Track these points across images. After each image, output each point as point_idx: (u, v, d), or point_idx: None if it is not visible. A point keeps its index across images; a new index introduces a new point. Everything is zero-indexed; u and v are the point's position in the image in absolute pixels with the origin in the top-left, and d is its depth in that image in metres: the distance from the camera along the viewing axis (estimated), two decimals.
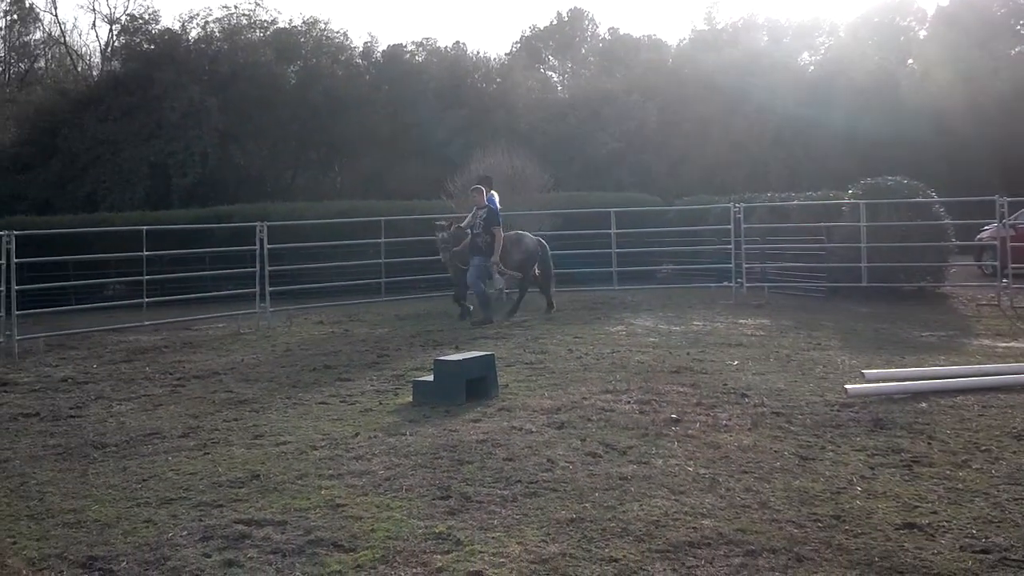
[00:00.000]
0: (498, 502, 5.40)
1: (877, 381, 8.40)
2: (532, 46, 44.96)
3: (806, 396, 8.13)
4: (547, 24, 47.16)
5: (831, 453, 6.32)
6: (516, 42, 46.56)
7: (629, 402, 7.93)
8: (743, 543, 4.70)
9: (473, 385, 8.28)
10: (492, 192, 14.78)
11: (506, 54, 41.58)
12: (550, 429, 7.07)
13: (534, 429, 7.08)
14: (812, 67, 34.07)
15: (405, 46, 35.29)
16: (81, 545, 4.94)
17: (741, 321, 13.69)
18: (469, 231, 14.20)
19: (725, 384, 8.71)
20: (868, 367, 9.22)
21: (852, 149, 27.62)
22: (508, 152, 19.27)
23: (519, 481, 5.77)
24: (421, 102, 32.38)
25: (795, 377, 9.08)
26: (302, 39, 33.96)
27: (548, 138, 30.28)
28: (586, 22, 47.42)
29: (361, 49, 35.39)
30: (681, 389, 8.49)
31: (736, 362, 10.00)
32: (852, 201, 16.91)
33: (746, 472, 5.90)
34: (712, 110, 30.00)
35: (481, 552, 4.64)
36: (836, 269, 16.74)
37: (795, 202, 18.50)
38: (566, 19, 46.78)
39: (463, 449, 6.55)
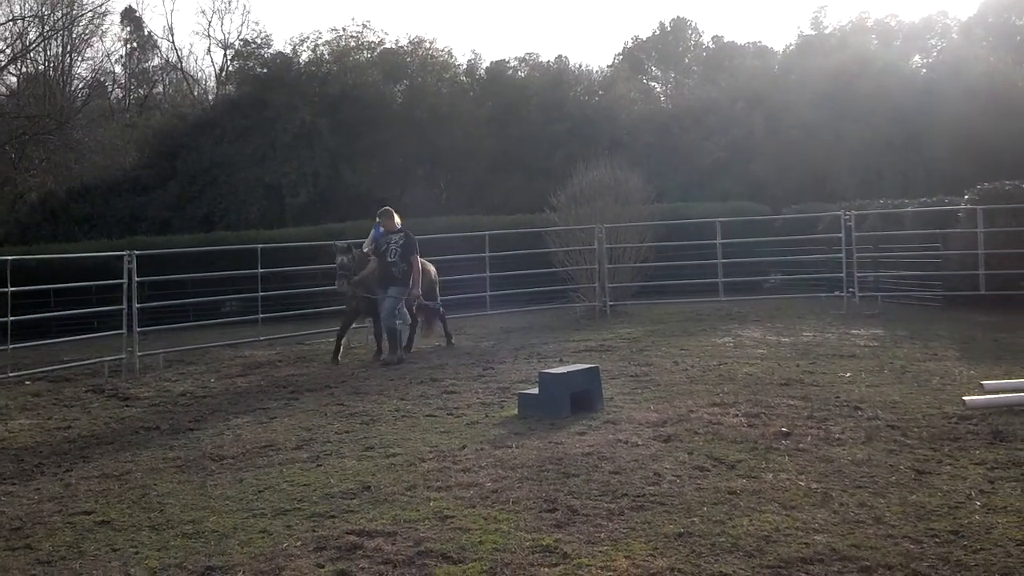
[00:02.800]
0: (605, 515, 5.39)
1: (996, 392, 8.09)
2: (634, 57, 44.81)
3: (922, 408, 7.88)
4: (649, 34, 47.00)
5: (948, 467, 6.13)
6: (618, 54, 46.49)
7: (737, 415, 7.82)
8: (857, 559, 4.59)
9: (578, 398, 8.29)
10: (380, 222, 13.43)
11: (608, 66, 41.51)
12: (656, 442, 7.03)
13: (640, 442, 7.04)
14: (924, 69, 33.03)
15: (508, 62, 35.58)
16: (199, 555, 5.10)
17: (853, 332, 13.35)
18: (372, 258, 12.94)
19: (837, 397, 8.51)
20: (987, 378, 8.88)
21: (967, 153, 26.63)
22: (611, 164, 19.21)
23: (626, 494, 5.75)
24: (524, 116, 32.55)
25: (911, 389, 8.81)
26: (408, 59, 34.51)
27: (651, 149, 30.08)
28: (689, 31, 47.05)
29: (465, 66, 35.81)
30: (791, 402, 8.33)
31: (849, 374, 9.76)
32: (969, 207, 16.33)
33: (860, 487, 5.76)
34: (820, 116, 29.35)
35: (588, 565, 4.64)
36: (952, 277, 16.18)
37: (908, 209, 17.96)
38: (669, 29, 46.51)
39: (569, 462, 6.55)
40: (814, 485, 5.81)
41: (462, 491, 6.01)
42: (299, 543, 5.20)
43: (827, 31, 35.30)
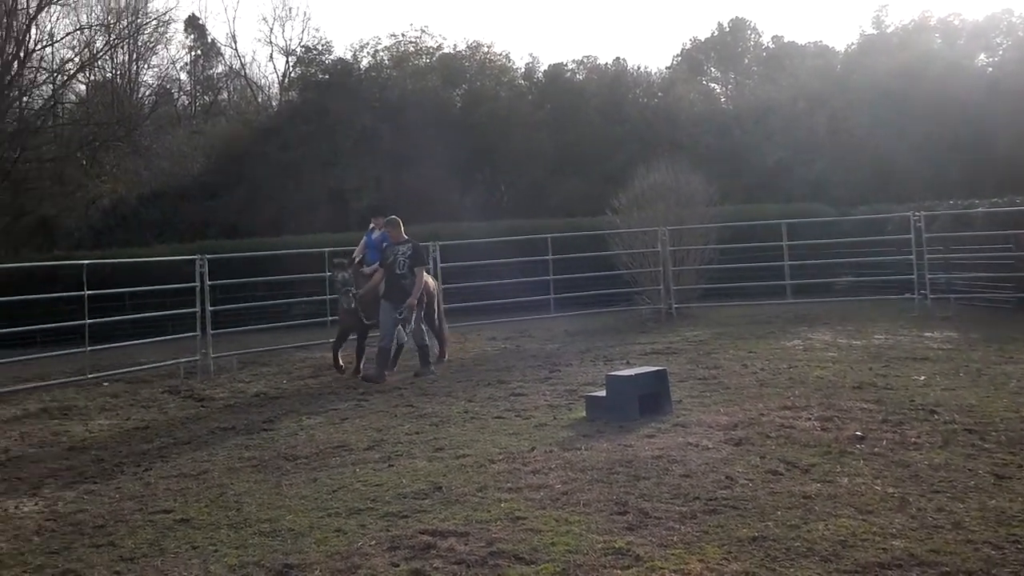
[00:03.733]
0: (677, 519, 5.38)
1: None
2: (693, 58, 44.45)
3: (1000, 412, 7.73)
4: (708, 36, 46.55)
5: None
6: (677, 55, 46.14)
7: (810, 419, 7.75)
8: (937, 565, 4.54)
9: (646, 400, 8.27)
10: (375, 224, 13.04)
11: (667, 68, 41.25)
12: (727, 446, 7.00)
13: (711, 445, 7.01)
14: (989, 68, 32.29)
15: (566, 65, 35.53)
16: (277, 553, 5.21)
17: (926, 334, 13.12)
18: (371, 270, 12.34)
19: (912, 400, 8.38)
20: None
21: None
22: (672, 166, 19.11)
23: (697, 498, 5.74)
24: (582, 119, 32.49)
25: (987, 392, 8.65)
26: (466, 63, 34.68)
27: (712, 151, 29.81)
28: (748, 31, 46.54)
29: (523, 70, 35.86)
30: (865, 405, 8.23)
31: (923, 377, 9.61)
32: None
33: (938, 491, 5.68)
34: (884, 115, 28.85)
35: (661, 568, 4.65)
36: None
37: (979, 209, 17.60)
38: (727, 29, 46.06)
39: (639, 465, 6.56)
40: (891, 489, 5.74)
41: (532, 492, 6.05)
42: (373, 542, 5.28)
43: (889, 30, 34.71)
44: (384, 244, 12.15)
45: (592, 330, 15.88)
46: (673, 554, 4.84)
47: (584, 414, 8.43)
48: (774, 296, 18.17)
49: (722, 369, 10.70)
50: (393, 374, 11.82)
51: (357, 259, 12.71)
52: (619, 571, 4.65)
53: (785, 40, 42.96)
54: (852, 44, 36.36)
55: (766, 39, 45.59)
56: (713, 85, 43.55)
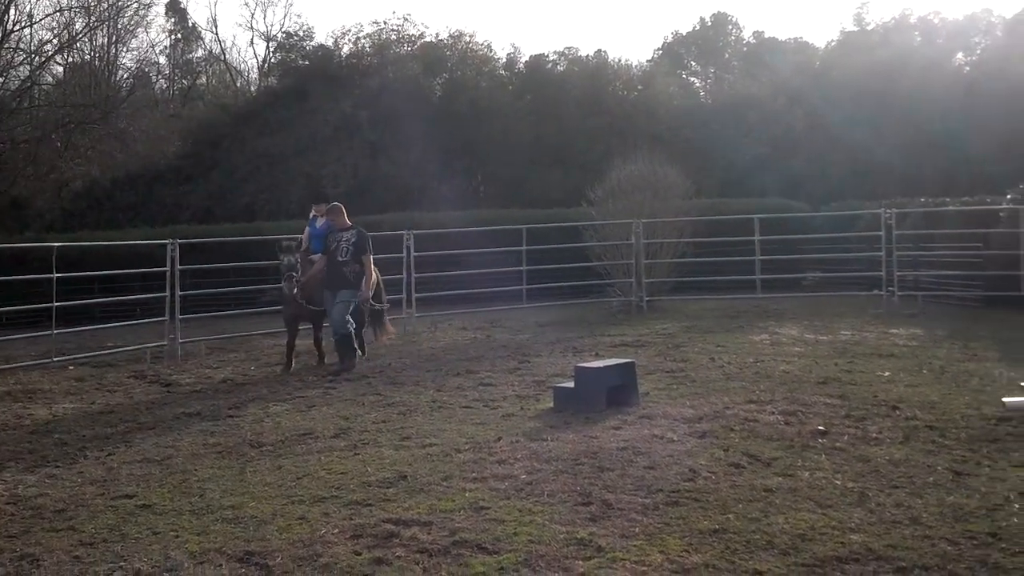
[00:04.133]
0: (639, 510, 5.41)
1: None
2: (674, 52, 44.56)
3: (961, 409, 7.82)
4: (690, 30, 46.71)
5: (987, 468, 6.08)
6: (658, 49, 46.27)
7: (774, 413, 7.81)
8: (893, 559, 4.58)
9: (614, 392, 8.31)
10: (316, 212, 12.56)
11: (648, 61, 41.34)
12: (692, 438, 7.04)
13: (676, 438, 7.05)
14: (967, 67, 32.55)
15: (547, 56, 35.52)
16: (239, 540, 5.19)
17: (892, 331, 13.24)
18: (316, 257, 11.88)
19: (875, 396, 8.46)
20: None
21: (1010, 153, 26.22)
22: (650, 159, 19.15)
23: (661, 490, 5.77)
24: (562, 111, 32.49)
25: (949, 389, 8.74)
26: (448, 52, 34.59)
27: (690, 144, 29.89)
28: (730, 26, 46.73)
29: (504, 60, 35.84)
30: (828, 400, 8.30)
31: (887, 373, 9.70)
32: (1011, 207, 16.12)
33: (897, 487, 5.74)
34: (861, 113, 29.02)
35: (623, 559, 4.67)
36: (994, 277, 15.97)
37: (950, 208, 17.77)
38: (709, 24, 46.22)
39: (604, 456, 6.58)
40: (850, 484, 5.80)
41: (497, 483, 6.06)
42: (336, 530, 5.27)
43: (869, 27, 34.92)
44: (328, 232, 11.77)
45: (563, 321, 15.92)
46: (635, 545, 4.87)
47: (552, 405, 8.46)
48: (744, 290, 18.28)
49: (690, 362, 10.76)
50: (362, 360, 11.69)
51: (304, 248, 12.14)
52: (580, 562, 4.67)
53: (766, 36, 43.19)
54: (832, 41, 36.63)
55: (747, 34, 45.82)
56: (693, 79, 43.71)
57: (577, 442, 7.03)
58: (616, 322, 15.64)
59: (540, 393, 9.18)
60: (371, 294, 11.81)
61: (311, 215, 12.67)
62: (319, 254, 11.81)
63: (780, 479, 5.93)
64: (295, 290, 11.55)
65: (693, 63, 45.29)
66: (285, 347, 12.02)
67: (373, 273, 11.88)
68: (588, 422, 7.72)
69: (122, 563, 4.89)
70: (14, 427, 8.70)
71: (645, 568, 4.56)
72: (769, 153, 29.86)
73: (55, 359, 12.54)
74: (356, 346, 11.65)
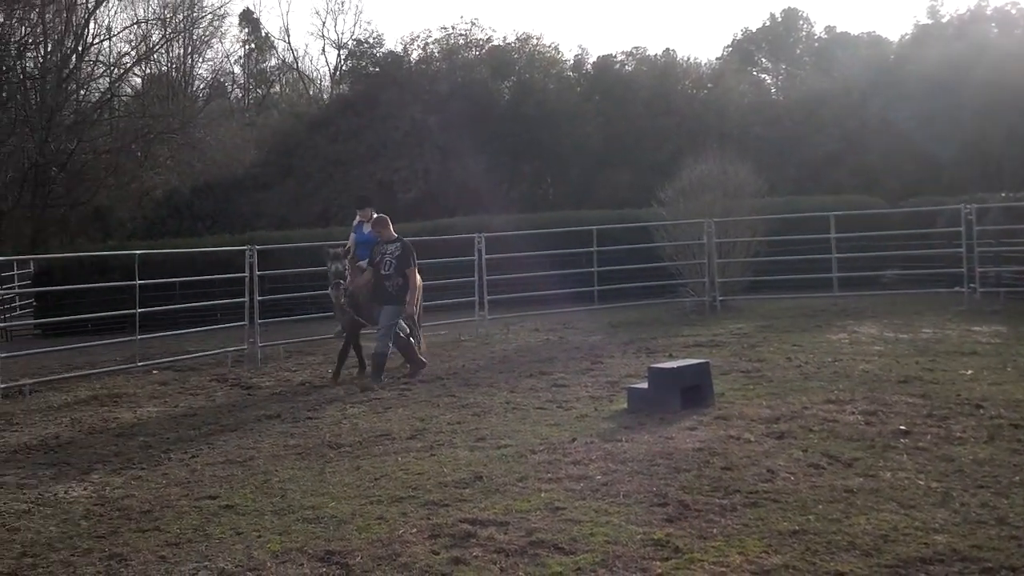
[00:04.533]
0: (717, 511, 5.37)
1: None
2: (744, 49, 43.99)
3: None
4: (760, 26, 46.06)
5: None
6: (727, 46, 45.69)
7: (854, 412, 7.67)
8: (979, 560, 4.48)
9: (688, 393, 8.25)
10: (362, 217, 12.10)
11: (717, 59, 40.89)
12: (769, 439, 6.96)
13: (753, 439, 6.98)
14: None
15: (615, 56, 35.38)
16: (319, 540, 5.27)
17: (975, 328, 12.89)
18: (366, 267, 11.44)
19: (958, 395, 8.26)
20: None
21: None
22: (720, 157, 18.96)
23: (738, 491, 5.72)
24: (631, 111, 32.33)
25: None
26: (515, 55, 34.68)
27: (762, 142, 29.52)
28: (800, 22, 45.94)
29: (572, 62, 35.79)
30: (910, 400, 8.13)
31: (970, 371, 9.45)
32: None
33: (982, 486, 5.60)
34: (937, 107, 28.33)
35: (701, 560, 4.64)
36: None
37: None
38: (779, 20, 45.51)
39: (679, 457, 6.54)
40: (934, 484, 5.68)
41: (573, 483, 6.06)
42: (414, 530, 5.33)
43: (944, 20, 34.09)
44: (373, 243, 11.43)
45: (636, 322, 15.83)
46: (713, 546, 4.83)
47: (625, 406, 8.43)
48: (821, 289, 17.94)
49: (766, 362, 10.62)
50: (420, 373, 11.23)
51: (351, 255, 11.74)
52: (658, 563, 4.65)
53: (838, 30, 42.32)
54: (906, 34, 35.79)
55: (818, 29, 44.93)
56: (764, 76, 43.10)
57: (652, 443, 7.00)
58: (689, 322, 15.51)
59: (614, 394, 9.16)
60: (416, 309, 11.52)
61: (355, 220, 12.36)
62: (366, 262, 11.44)
63: (861, 480, 5.84)
64: (343, 299, 11.29)
65: (764, 60, 44.65)
66: (354, 352, 11.70)
67: (418, 288, 11.59)
68: (663, 423, 7.68)
69: (207, 562, 5.01)
70: (101, 430, 8.95)
71: (724, 569, 4.53)
72: (843, 149, 29.34)
73: (139, 364, 12.85)
74: (412, 358, 11.32)
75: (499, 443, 7.31)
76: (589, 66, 35.43)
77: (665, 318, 16.18)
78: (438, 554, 4.93)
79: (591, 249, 17.75)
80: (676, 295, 17.90)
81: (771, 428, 7.28)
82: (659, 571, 4.55)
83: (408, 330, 11.35)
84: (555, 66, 34.99)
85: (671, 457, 6.55)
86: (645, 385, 8.48)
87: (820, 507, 5.35)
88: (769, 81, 42.54)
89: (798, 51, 44.24)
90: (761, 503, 5.48)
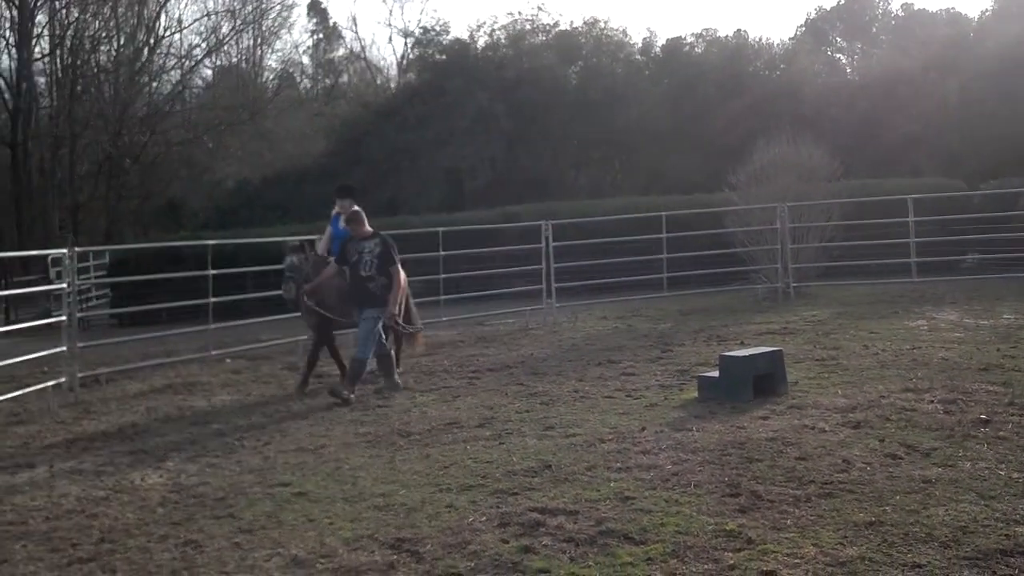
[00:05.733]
0: (791, 502, 5.27)
1: None
2: (818, 28, 43.08)
3: None
4: (834, 4, 45.09)
5: None
6: (800, 25, 44.76)
7: (932, 401, 7.47)
8: None
9: (761, 381, 8.12)
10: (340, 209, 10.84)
11: (790, 39, 40.09)
12: (845, 428, 6.81)
13: (827, 428, 6.84)
14: None
15: (684, 39, 35.04)
16: (390, 527, 5.30)
17: None
18: (329, 260, 10.38)
19: None
20: None
21: None
22: (794, 140, 18.62)
23: (812, 481, 5.61)
24: (701, 94, 31.97)
25: None
26: (582, 39, 34.52)
27: (837, 123, 28.95)
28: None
29: (640, 45, 35.52)
30: (991, 388, 7.89)
31: None
32: None
33: None
34: (1019, 85, 27.48)
35: (774, 552, 4.56)
36: None
37: None
38: None
39: (752, 447, 6.44)
40: (1015, 475, 5.50)
41: (642, 473, 6.00)
42: (484, 518, 5.33)
43: None
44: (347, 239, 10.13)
45: (706, 309, 15.65)
46: (786, 537, 4.75)
47: (696, 395, 8.33)
48: (898, 274, 17.55)
49: (841, 350, 10.41)
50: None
51: (323, 253, 10.75)
52: (730, 553, 4.58)
53: (915, 8, 41.20)
54: (986, 10, 34.72)
55: (895, 7, 43.75)
56: (838, 56, 42.17)
57: (724, 432, 6.90)
58: (762, 309, 15.28)
59: (684, 383, 9.05)
60: (399, 310, 10.23)
61: (334, 212, 11.15)
62: (333, 258, 10.25)
63: (940, 470, 5.68)
64: (292, 295, 10.05)
65: (838, 39, 43.67)
66: (332, 359, 10.58)
67: (402, 285, 10.17)
68: (734, 412, 7.57)
69: (280, 549, 5.06)
70: (176, 419, 9.13)
71: (798, 561, 4.44)
72: (921, 130, 28.62)
73: (212, 353, 13.06)
74: (390, 367, 10.13)
75: (568, 432, 7.28)
76: (658, 49, 35.12)
77: (736, 305, 15.96)
78: (507, 542, 4.92)
79: (660, 235, 17.57)
80: (748, 281, 17.65)
81: (847, 417, 7.12)
82: (731, 562, 4.47)
83: (388, 344, 10.06)
84: (623, 50, 34.73)
85: (743, 447, 6.45)
86: (716, 374, 8.37)
87: (897, 498, 5.22)
88: (844, 61, 41.63)
89: (874, 29, 43.21)
90: (836, 494, 5.37)
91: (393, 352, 10.27)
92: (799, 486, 5.54)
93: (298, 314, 10.72)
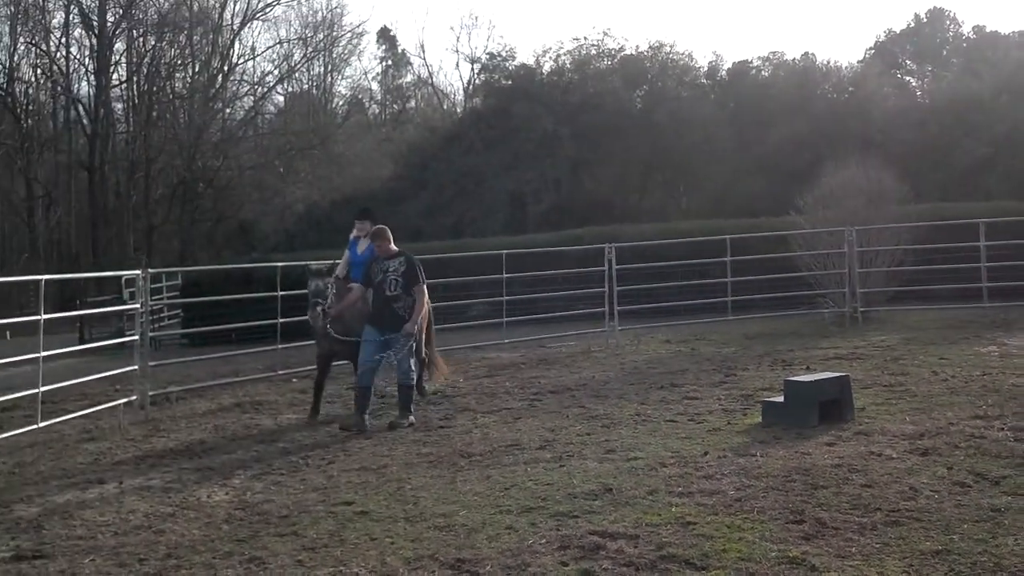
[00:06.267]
0: (856, 529, 5.19)
1: None
2: (887, 51, 42.58)
3: None
4: (903, 27, 44.51)
5: None
6: (869, 48, 44.31)
7: (1003, 428, 7.30)
8: None
9: (826, 407, 7.99)
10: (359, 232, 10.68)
11: (858, 61, 39.70)
12: (913, 456, 6.68)
13: (895, 455, 6.72)
14: None
15: (751, 62, 34.92)
16: (450, 548, 5.32)
17: None
18: (353, 286, 10.08)
19: None
20: None
21: None
22: (862, 163, 18.38)
23: (879, 509, 5.51)
24: (768, 117, 31.74)
25: None
26: (648, 64, 34.54)
27: (906, 147, 28.50)
28: (947, 22, 44.18)
29: (706, 69, 35.45)
30: None
31: None
32: None
33: None
34: None
35: None
36: None
37: None
38: (924, 20, 43.87)
39: (817, 473, 6.35)
40: None
41: (704, 498, 5.95)
42: (544, 540, 5.32)
43: None
44: (372, 260, 9.84)
45: (771, 334, 15.46)
46: (851, 565, 4.67)
47: (760, 420, 8.23)
48: (969, 299, 17.15)
49: (910, 376, 10.21)
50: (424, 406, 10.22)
51: (341, 276, 10.45)
52: None
53: (987, 30, 40.56)
54: None
55: (966, 29, 43.12)
56: (908, 78, 41.63)
57: (788, 458, 6.81)
58: (829, 334, 15.05)
59: (748, 407, 8.96)
60: (419, 329, 9.93)
61: (352, 235, 10.90)
62: (357, 282, 10.01)
63: (1009, 498, 5.54)
64: (321, 322, 9.74)
65: (908, 62, 43.11)
66: (313, 388, 10.40)
67: (425, 307, 10.02)
68: (799, 438, 7.47)
69: (342, 567, 5.11)
70: (243, 437, 9.28)
71: None
72: (993, 154, 28.05)
73: (280, 372, 13.26)
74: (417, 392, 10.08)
75: (629, 455, 7.24)
76: (724, 72, 35.00)
77: (802, 330, 15.74)
78: (567, 565, 4.91)
79: (724, 259, 17.43)
80: (814, 306, 17.40)
81: (915, 444, 6.99)
82: None
83: (394, 368, 9.65)
84: (688, 73, 34.67)
85: (808, 473, 6.36)
86: (781, 399, 8.27)
87: (965, 527, 5.11)
88: (914, 84, 41.08)
89: (944, 52, 42.56)
90: (903, 522, 5.27)
91: (414, 382, 9.89)
92: (865, 513, 5.45)
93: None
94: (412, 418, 9.31)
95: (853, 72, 35.22)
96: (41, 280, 10.32)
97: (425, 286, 9.74)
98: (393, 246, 9.71)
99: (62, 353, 13.26)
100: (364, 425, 9.17)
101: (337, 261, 10.97)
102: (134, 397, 10.97)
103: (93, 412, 10.63)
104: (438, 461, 7.55)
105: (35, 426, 9.46)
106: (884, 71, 37.31)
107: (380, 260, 9.64)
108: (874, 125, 30.39)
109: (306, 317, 10.11)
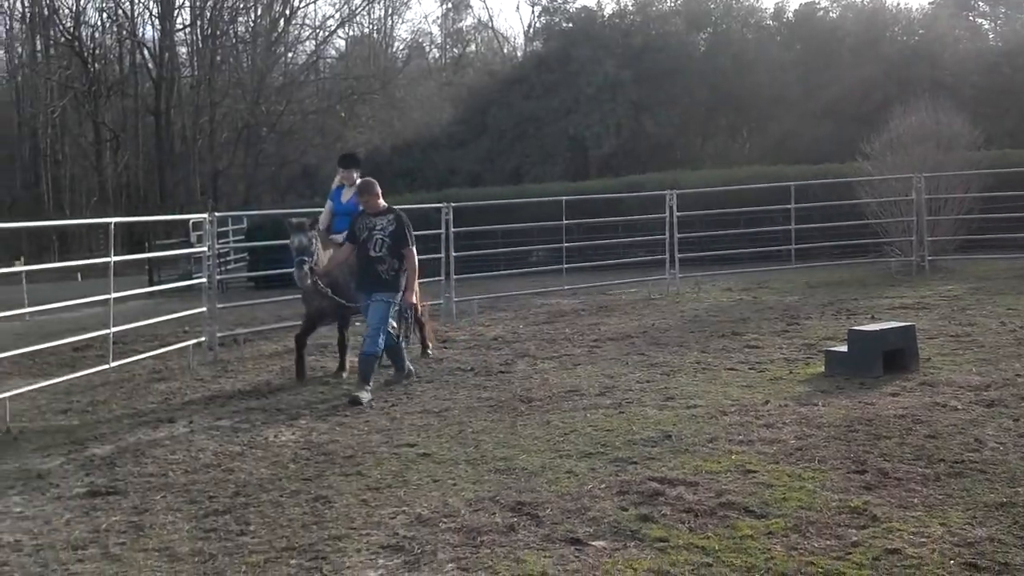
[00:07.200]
0: (919, 480, 5.16)
1: None
2: None
3: None
4: None
5: None
6: None
7: None
8: None
9: (891, 357, 7.91)
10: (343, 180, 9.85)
11: (929, 3, 38.39)
12: (978, 407, 6.60)
13: (960, 406, 6.64)
14: None
15: (818, 3, 33.98)
16: (511, 490, 5.40)
17: None
18: (340, 241, 9.14)
19: None
20: None
21: None
22: (933, 107, 17.91)
23: (942, 460, 5.47)
24: (835, 60, 30.99)
25: None
26: (712, 5, 33.88)
27: (978, 91, 27.68)
28: None
29: (772, 10, 34.68)
30: None
31: None
32: None
33: None
34: None
35: (900, 530, 4.47)
36: None
37: None
38: None
39: (880, 423, 6.31)
40: None
41: (765, 446, 5.95)
42: (603, 485, 5.38)
43: None
44: (357, 214, 8.84)
45: (835, 282, 15.27)
46: (913, 516, 4.65)
47: (823, 369, 8.18)
48: None
49: (977, 326, 10.04)
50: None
51: (323, 229, 9.56)
52: (854, 531, 4.51)
53: None
54: None
55: None
56: (981, 21, 40.21)
57: (851, 408, 6.77)
58: (894, 283, 14.83)
59: (810, 357, 8.90)
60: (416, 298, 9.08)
61: (334, 184, 10.18)
62: (341, 236, 9.09)
63: None
64: (309, 280, 8.81)
65: (980, 3, 41.60)
66: (296, 348, 9.61)
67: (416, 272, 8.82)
68: (862, 388, 7.41)
69: (405, 507, 5.22)
70: (308, 379, 9.44)
71: (924, 540, 4.35)
72: None
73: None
74: (400, 361, 8.99)
75: (688, 403, 7.26)
76: (790, 14, 34.19)
77: (867, 279, 15.52)
78: (626, 510, 4.96)
79: (788, 206, 17.18)
80: (880, 255, 17.13)
81: (980, 396, 6.90)
82: (855, 539, 4.41)
83: (398, 328, 8.71)
84: (754, 15, 33.94)
85: (871, 423, 6.32)
86: (844, 348, 8.19)
87: None
88: (987, 26, 39.67)
89: None
90: (967, 473, 5.22)
91: (405, 344, 9.05)
92: (928, 464, 5.41)
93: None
94: (369, 393, 8.15)
95: (923, 14, 34.18)
96: (111, 223, 10.50)
97: (415, 248, 8.63)
98: (382, 202, 8.68)
99: (132, 295, 13.61)
100: (367, 394, 8.15)
101: (319, 210, 10.27)
102: (203, 338, 11.21)
103: (163, 353, 10.90)
104: (499, 406, 7.64)
105: (107, 366, 9.71)
106: (955, 13, 36.08)
107: (366, 216, 8.61)
108: (944, 69, 29.51)
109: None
